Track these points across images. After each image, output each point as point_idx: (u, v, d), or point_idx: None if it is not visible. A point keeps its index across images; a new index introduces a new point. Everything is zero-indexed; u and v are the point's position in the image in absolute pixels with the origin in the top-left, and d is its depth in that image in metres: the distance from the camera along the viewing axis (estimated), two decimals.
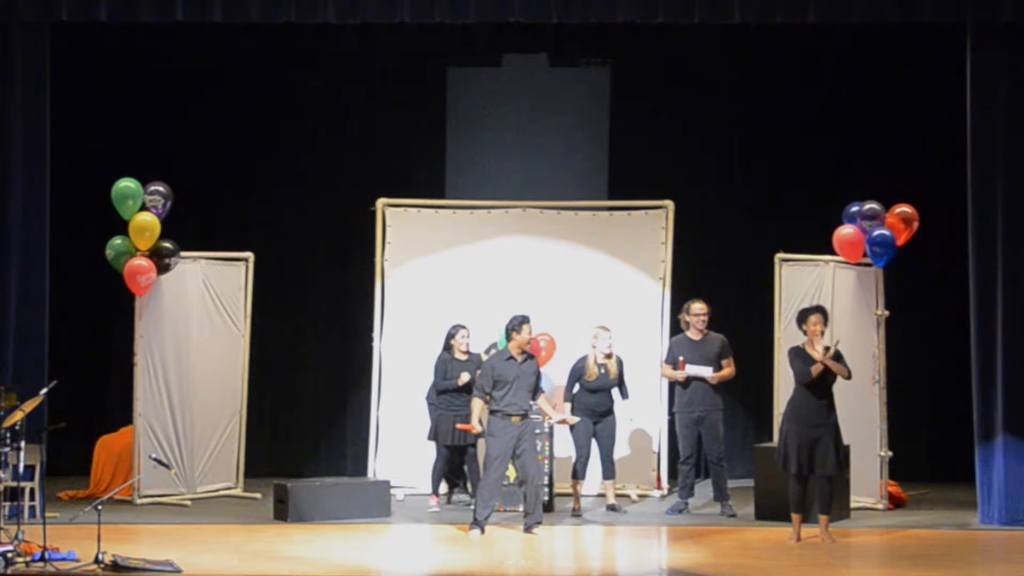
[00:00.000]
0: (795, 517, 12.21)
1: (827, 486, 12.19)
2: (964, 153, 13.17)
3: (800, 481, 12.17)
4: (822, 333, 12.25)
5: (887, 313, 13.61)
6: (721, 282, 15.79)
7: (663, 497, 14.45)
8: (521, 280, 14.76)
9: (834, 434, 12.08)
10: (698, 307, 13.73)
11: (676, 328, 14.75)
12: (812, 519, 12.55)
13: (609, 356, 13.64)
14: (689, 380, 13.61)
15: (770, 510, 13.10)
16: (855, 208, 13.59)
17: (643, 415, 14.69)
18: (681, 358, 13.62)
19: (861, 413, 13.32)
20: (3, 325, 12.96)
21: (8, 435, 11.20)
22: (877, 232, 13.35)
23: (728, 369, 13.66)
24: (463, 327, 13.80)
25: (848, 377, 12.28)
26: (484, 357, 13.54)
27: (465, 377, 13.60)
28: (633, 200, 15.06)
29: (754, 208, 15.99)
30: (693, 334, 13.72)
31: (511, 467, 13.47)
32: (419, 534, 12.81)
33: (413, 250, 14.90)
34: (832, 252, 13.77)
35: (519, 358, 12.65)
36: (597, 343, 13.63)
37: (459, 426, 13.33)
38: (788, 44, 15.17)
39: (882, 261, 13.44)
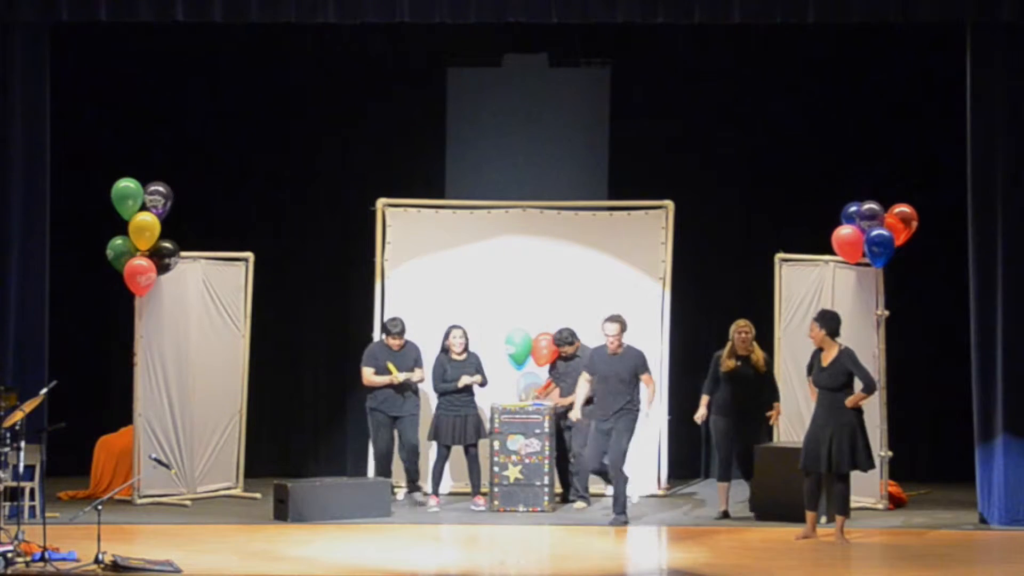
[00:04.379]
0: (807, 515, 12.23)
1: (838, 486, 12.19)
2: (964, 153, 13.17)
3: (811, 479, 12.19)
4: (822, 337, 12.28)
5: (887, 313, 13.60)
6: (721, 282, 15.82)
7: (664, 495, 14.50)
8: (521, 280, 14.76)
9: (842, 433, 12.05)
10: (607, 327, 13.06)
11: (677, 328, 14.79)
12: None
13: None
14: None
15: (770, 510, 13.10)
16: (854, 208, 13.59)
17: (643, 416, 14.67)
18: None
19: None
20: (3, 325, 12.96)
21: (8, 435, 11.19)
22: (876, 232, 13.35)
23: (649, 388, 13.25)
24: (457, 327, 13.83)
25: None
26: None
27: (465, 379, 13.63)
28: (633, 200, 15.05)
29: (754, 208, 15.99)
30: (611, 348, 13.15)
31: (511, 467, 13.50)
32: (419, 534, 12.81)
33: (413, 250, 14.89)
34: (832, 252, 13.77)
35: None
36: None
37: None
38: (788, 44, 15.17)
39: (881, 261, 13.44)
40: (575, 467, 13.86)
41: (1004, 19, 12.90)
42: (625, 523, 12.89)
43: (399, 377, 13.64)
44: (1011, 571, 11.25)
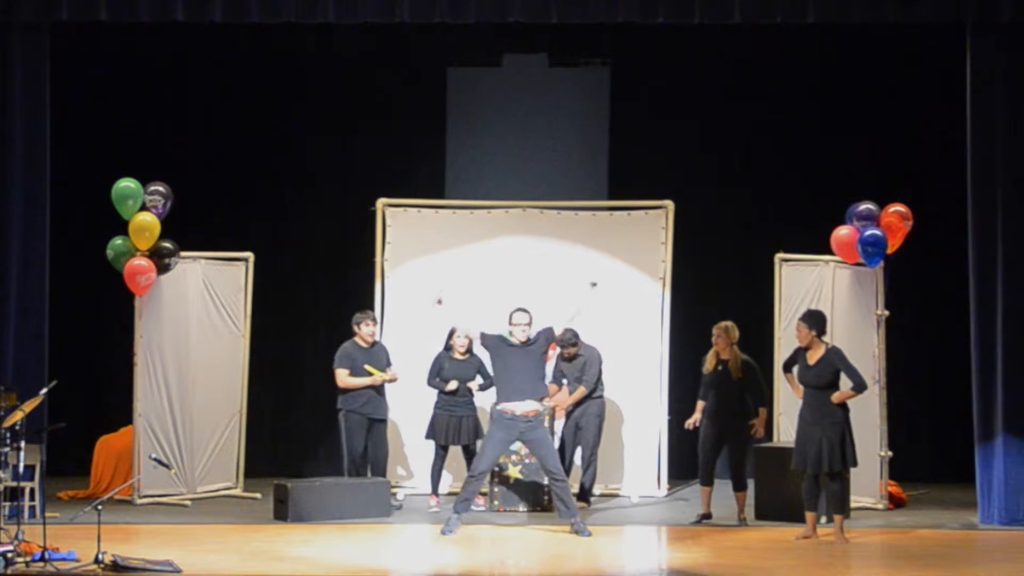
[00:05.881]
0: (807, 515, 12.23)
1: (832, 485, 12.18)
2: (964, 152, 13.17)
3: (810, 479, 12.19)
4: (811, 338, 12.28)
5: (887, 313, 13.60)
6: (721, 282, 15.82)
7: (665, 495, 14.51)
8: (521, 280, 14.74)
9: (832, 432, 12.07)
10: (520, 316, 12.61)
11: (677, 328, 14.76)
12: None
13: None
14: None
15: (770, 510, 13.10)
16: (853, 209, 13.60)
17: (643, 416, 14.70)
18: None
19: (861, 413, 13.29)
20: (3, 325, 12.96)
21: (8, 435, 11.20)
22: (868, 232, 13.35)
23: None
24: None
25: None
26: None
27: (452, 385, 13.59)
28: (633, 200, 15.05)
29: (754, 208, 15.99)
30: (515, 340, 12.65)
31: (511, 467, 13.50)
32: (419, 534, 12.81)
33: (413, 250, 14.89)
34: (832, 252, 13.77)
35: None
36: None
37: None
38: (788, 44, 15.17)
39: (875, 261, 13.43)
40: (580, 468, 13.86)
41: (1004, 19, 12.91)
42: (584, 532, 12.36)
43: (387, 374, 13.61)
44: (1011, 571, 11.25)
